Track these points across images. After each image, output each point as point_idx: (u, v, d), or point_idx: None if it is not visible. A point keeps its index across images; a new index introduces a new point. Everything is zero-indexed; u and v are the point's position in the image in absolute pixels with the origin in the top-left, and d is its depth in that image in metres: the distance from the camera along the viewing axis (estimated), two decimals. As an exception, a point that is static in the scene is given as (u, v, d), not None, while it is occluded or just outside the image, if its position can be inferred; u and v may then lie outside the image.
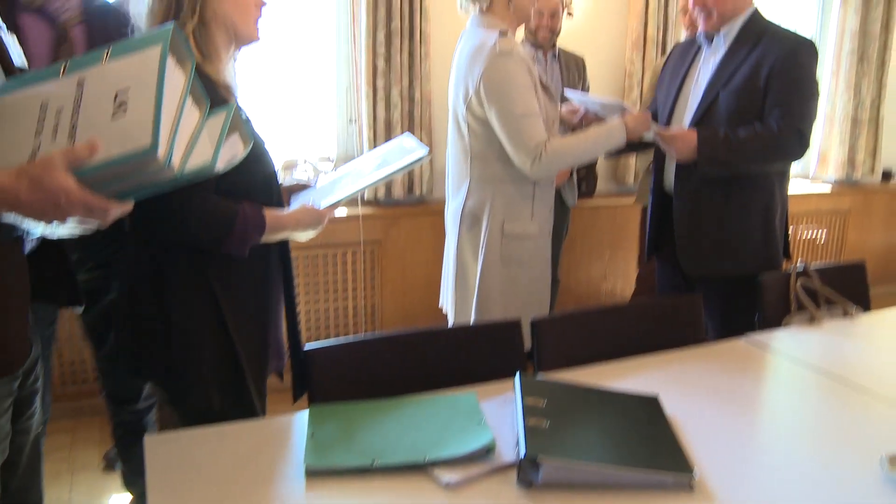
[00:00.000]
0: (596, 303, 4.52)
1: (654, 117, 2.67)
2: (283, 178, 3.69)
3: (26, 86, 1.26)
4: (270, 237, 1.75)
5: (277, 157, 3.74)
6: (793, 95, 2.42)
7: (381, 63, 3.74)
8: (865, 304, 2.53)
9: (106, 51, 1.25)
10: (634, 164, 4.47)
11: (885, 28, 5.11)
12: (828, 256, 5.36)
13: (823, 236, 5.32)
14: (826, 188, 5.27)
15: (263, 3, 1.83)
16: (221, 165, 1.40)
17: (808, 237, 5.26)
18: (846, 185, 5.34)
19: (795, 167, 5.38)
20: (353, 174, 1.96)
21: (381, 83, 3.77)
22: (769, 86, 2.41)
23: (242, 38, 1.81)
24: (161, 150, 1.17)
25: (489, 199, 2.41)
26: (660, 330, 2.13)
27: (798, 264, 2.44)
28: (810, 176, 5.40)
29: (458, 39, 2.58)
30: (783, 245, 2.67)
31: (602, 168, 4.33)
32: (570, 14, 4.13)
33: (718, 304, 2.59)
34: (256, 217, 1.70)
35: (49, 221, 1.20)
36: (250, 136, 1.56)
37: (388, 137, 3.80)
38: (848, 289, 2.46)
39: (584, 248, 4.39)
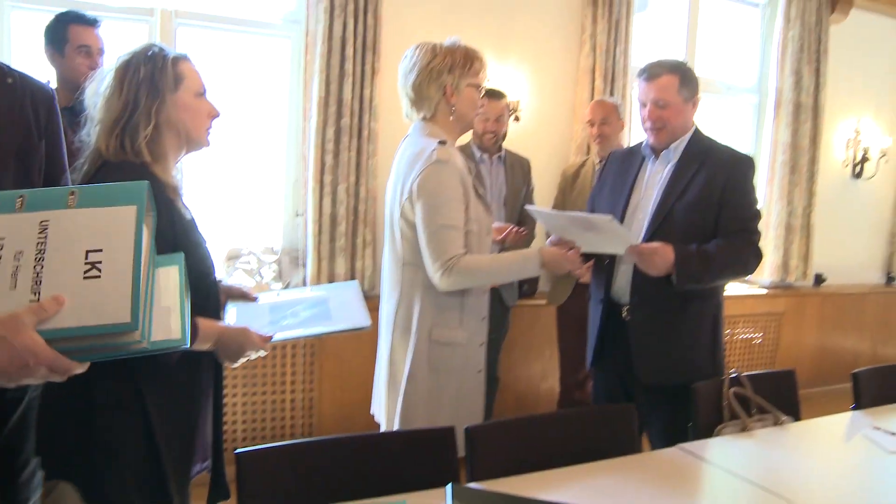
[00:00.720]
0: (535, 401, 4.52)
1: (592, 256, 2.67)
2: (227, 268, 3.67)
3: None
4: (202, 346, 1.74)
5: (222, 247, 3.72)
6: (746, 211, 2.60)
7: (329, 159, 3.79)
8: (795, 412, 2.57)
9: (70, 194, 1.19)
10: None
11: (813, 142, 5.44)
12: (763, 357, 5.48)
13: (759, 338, 5.45)
14: (762, 291, 5.44)
15: (216, 115, 1.88)
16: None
17: (745, 338, 5.38)
18: (780, 288, 5.53)
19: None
20: (296, 313, 2.00)
21: (328, 178, 3.80)
22: (724, 202, 2.54)
23: (193, 144, 1.85)
24: (139, 325, 1.12)
25: (418, 306, 2.36)
26: (595, 439, 2.13)
27: (731, 372, 2.48)
28: (747, 279, 5.55)
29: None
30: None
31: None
32: (517, 118, 4.26)
33: (663, 412, 2.59)
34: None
35: (12, 382, 1.11)
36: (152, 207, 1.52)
37: (333, 232, 3.82)
38: (779, 396, 2.51)
39: (525, 347, 4.41)
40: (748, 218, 2.59)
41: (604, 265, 2.71)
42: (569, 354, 3.94)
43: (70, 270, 1.13)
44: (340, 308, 2.01)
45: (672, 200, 2.56)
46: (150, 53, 1.79)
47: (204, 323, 1.72)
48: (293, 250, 3.95)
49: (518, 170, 3.90)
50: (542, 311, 4.31)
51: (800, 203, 5.41)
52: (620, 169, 2.78)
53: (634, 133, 4.70)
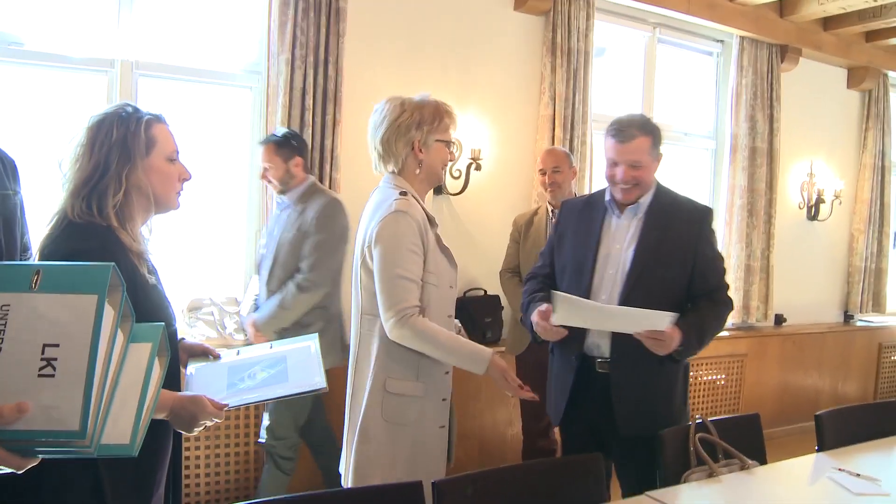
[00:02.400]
0: (501, 449, 4.47)
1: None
2: (189, 320, 3.61)
3: None
4: (155, 416, 1.67)
5: (184, 298, 3.66)
6: (718, 266, 2.66)
7: (291, 208, 3.75)
8: (761, 455, 2.58)
9: (35, 273, 1.13)
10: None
11: (770, 186, 5.58)
12: (727, 398, 5.51)
13: (723, 379, 5.48)
14: (724, 333, 5.42)
15: (188, 178, 1.86)
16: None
17: (708, 380, 5.41)
18: (742, 329, 5.60)
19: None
20: (253, 374, 1.95)
21: (290, 228, 3.76)
22: (697, 257, 2.56)
23: (162, 207, 1.82)
24: (89, 432, 1.07)
25: (374, 356, 2.32)
26: (563, 489, 2.11)
27: (696, 418, 2.48)
28: (708, 321, 5.60)
29: (369, 190, 2.56)
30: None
31: (508, 316, 4.38)
32: (478, 167, 4.28)
33: (639, 461, 2.55)
34: None
35: None
36: (166, 347, 1.45)
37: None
38: (744, 439, 2.52)
39: (489, 393, 4.37)
40: (721, 272, 2.66)
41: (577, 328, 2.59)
42: (529, 402, 3.88)
43: (26, 365, 1.07)
44: (298, 368, 1.97)
45: (646, 256, 2.55)
46: (123, 115, 1.76)
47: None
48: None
49: None
50: (505, 357, 4.30)
51: (758, 245, 5.51)
52: (580, 220, 2.74)
53: (593, 181, 4.76)
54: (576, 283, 2.62)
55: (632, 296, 2.49)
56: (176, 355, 1.82)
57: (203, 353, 2.04)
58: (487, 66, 4.51)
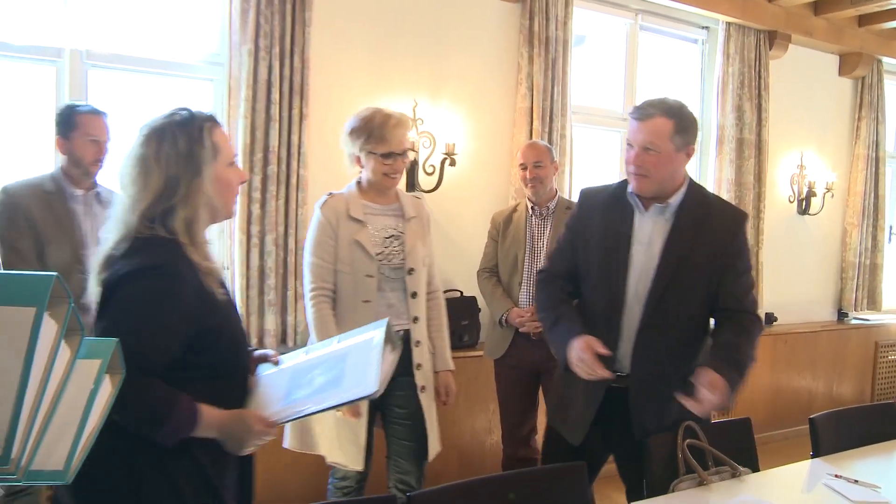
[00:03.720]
0: (481, 457, 4.47)
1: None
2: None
3: None
4: (205, 434, 1.72)
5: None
6: (748, 279, 2.54)
7: (255, 209, 3.74)
8: (753, 462, 2.60)
9: None
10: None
11: (758, 179, 5.64)
12: (718, 403, 5.49)
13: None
14: (712, 333, 5.49)
15: (244, 181, 1.95)
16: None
17: (698, 383, 5.40)
18: (732, 330, 5.59)
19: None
20: (312, 380, 1.92)
21: (255, 229, 3.75)
22: (727, 266, 2.47)
23: (221, 217, 1.86)
24: (13, 457, 1.01)
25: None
26: (547, 499, 2.11)
27: (684, 423, 2.47)
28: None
29: (337, 187, 2.90)
30: None
31: (485, 318, 4.37)
32: (452, 163, 4.27)
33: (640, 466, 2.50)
34: (191, 415, 1.68)
35: None
36: (119, 364, 1.39)
37: (262, 285, 3.79)
38: (735, 445, 2.54)
39: (469, 400, 4.36)
40: (750, 288, 2.55)
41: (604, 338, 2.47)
42: (510, 410, 3.87)
43: None
44: (354, 369, 1.89)
45: (675, 262, 2.44)
46: (182, 121, 1.78)
47: (207, 411, 1.71)
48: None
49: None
50: (485, 361, 4.30)
51: (747, 241, 5.52)
52: (607, 215, 2.59)
53: (574, 177, 4.77)
54: (605, 289, 2.54)
55: (656, 311, 2.42)
56: (245, 362, 1.92)
57: (264, 360, 2.05)
58: (461, 57, 4.52)
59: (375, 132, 2.86)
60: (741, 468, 2.43)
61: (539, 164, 3.78)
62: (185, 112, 1.81)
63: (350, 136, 2.91)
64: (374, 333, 1.96)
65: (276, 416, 1.81)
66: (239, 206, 3.68)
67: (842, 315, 6.58)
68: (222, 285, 1.82)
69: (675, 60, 5.73)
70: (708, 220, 2.49)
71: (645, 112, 2.46)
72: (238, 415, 1.78)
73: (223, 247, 3.87)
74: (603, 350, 2.35)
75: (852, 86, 6.55)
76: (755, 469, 2.54)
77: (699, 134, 5.53)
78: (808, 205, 6.17)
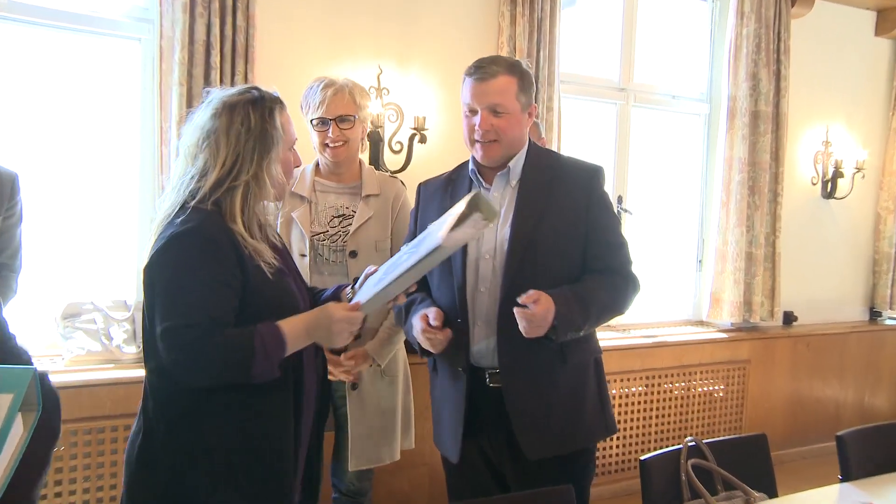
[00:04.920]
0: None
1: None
2: (62, 329, 3.62)
3: None
4: (297, 345, 2.03)
5: (58, 302, 3.67)
6: (616, 236, 2.63)
7: (192, 191, 3.77)
8: (770, 486, 2.60)
9: None
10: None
11: (775, 157, 5.65)
12: (727, 414, 5.61)
13: (721, 390, 5.57)
14: (721, 335, 5.59)
15: (299, 165, 2.25)
16: None
17: (704, 392, 5.49)
18: (743, 330, 5.70)
19: (686, 311, 5.71)
20: (399, 261, 2.10)
21: (191, 214, 3.77)
22: (590, 225, 2.55)
23: (274, 198, 2.17)
24: None
25: None
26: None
27: (688, 440, 2.50)
28: (703, 320, 5.74)
29: None
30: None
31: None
32: (422, 139, 4.29)
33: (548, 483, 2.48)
34: (274, 336, 1.98)
35: None
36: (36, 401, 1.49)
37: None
38: (749, 466, 2.56)
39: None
40: (620, 243, 2.61)
41: (455, 325, 2.55)
42: None
43: None
44: (429, 236, 2.01)
45: (528, 231, 2.50)
46: (253, 98, 2.08)
47: (286, 325, 2.02)
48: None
49: None
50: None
51: (762, 229, 5.57)
52: (442, 203, 2.66)
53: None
54: (446, 282, 2.62)
55: (514, 287, 2.40)
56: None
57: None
58: (433, 17, 4.55)
59: (309, 99, 3.09)
60: (755, 493, 2.44)
61: None
62: (255, 91, 2.10)
63: (301, 111, 3.13)
64: (460, 203, 2.05)
65: (358, 298, 2.15)
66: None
67: (874, 314, 6.59)
68: (276, 263, 2.10)
69: (681, 22, 5.76)
70: (558, 180, 2.60)
71: (487, 71, 2.54)
72: (319, 310, 2.11)
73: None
74: (434, 319, 2.46)
75: (891, 47, 6.52)
76: (772, 494, 2.55)
77: (707, 106, 5.70)
78: (834, 187, 6.15)
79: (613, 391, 4.98)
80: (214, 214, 2.02)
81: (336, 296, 2.35)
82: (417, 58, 4.49)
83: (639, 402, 5.19)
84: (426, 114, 4.38)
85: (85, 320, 3.67)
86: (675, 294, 5.83)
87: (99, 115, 3.92)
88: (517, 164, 2.62)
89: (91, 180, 3.92)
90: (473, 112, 2.58)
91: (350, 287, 2.34)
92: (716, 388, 5.54)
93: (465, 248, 2.55)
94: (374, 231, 3.09)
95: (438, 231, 1.95)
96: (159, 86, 3.79)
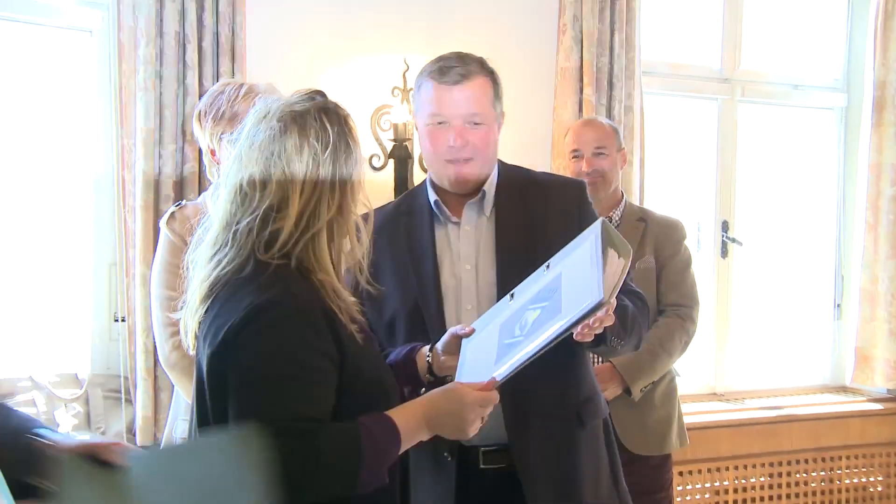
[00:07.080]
0: None
1: None
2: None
3: None
4: (412, 441, 1.99)
5: None
6: None
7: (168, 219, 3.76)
8: None
9: None
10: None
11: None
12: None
13: (879, 482, 5.44)
14: (874, 406, 5.46)
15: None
16: None
17: (853, 484, 5.35)
18: (903, 401, 5.55)
19: (822, 374, 5.65)
20: (525, 323, 2.12)
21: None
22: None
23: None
24: None
25: None
26: None
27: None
28: (847, 385, 5.63)
29: None
30: None
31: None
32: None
33: None
34: (385, 431, 1.92)
35: None
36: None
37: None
38: None
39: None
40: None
41: None
42: None
43: None
44: (572, 286, 2.07)
45: (518, 273, 2.43)
46: (323, 105, 2.01)
47: (398, 415, 1.96)
48: (110, 378, 3.93)
49: None
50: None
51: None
52: (394, 241, 2.70)
53: (645, 167, 4.77)
54: (421, 338, 2.56)
55: None
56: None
57: (454, 340, 2.32)
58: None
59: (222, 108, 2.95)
60: None
61: (601, 151, 3.76)
62: (318, 96, 2.03)
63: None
64: (589, 239, 2.12)
65: (494, 374, 2.06)
66: (140, 223, 3.70)
67: None
68: (358, 320, 2.03)
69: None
70: (542, 202, 2.67)
71: (460, 72, 2.58)
72: (443, 391, 2.06)
73: (114, 286, 3.91)
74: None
75: None
76: None
77: (844, 97, 5.64)
78: None
79: (725, 482, 4.87)
80: (301, 272, 1.96)
81: (411, 360, 2.36)
82: (452, 47, 4.41)
83: (761, 499, 5.09)
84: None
85: (22, 400, 3.67)
86: (807, 350, 5.73)
87: (41, 133, 3.92)
88: (491, 188, 2.67)
89: (31, 217, 3.91)
90: (442, 123, 2.58)
91: (428, 348, 2.35)
92: (870, 479, 5.41)
93: (437, 301, 2.61)
94: None
95: (588, 286, 2.00)
96: (118, 92, 3.79)
